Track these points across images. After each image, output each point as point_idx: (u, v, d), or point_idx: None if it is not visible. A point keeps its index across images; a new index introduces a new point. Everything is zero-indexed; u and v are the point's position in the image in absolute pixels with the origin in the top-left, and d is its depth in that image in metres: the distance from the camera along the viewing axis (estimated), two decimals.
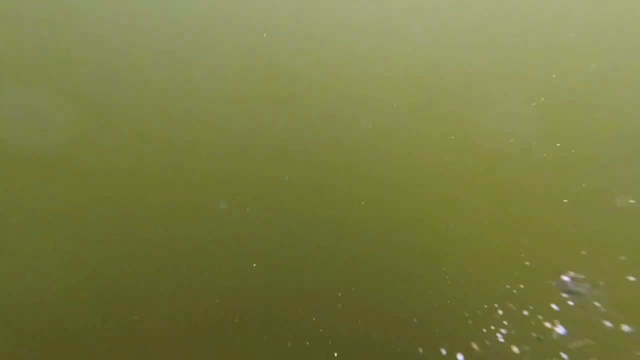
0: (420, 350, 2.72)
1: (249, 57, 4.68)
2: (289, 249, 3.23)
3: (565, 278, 2.79)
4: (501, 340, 2.69)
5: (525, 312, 2.76)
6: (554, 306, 2.71)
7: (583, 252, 2.93)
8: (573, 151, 3.51)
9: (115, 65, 4.31)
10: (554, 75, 3.93)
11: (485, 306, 2.81)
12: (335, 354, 2.68)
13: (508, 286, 2.91)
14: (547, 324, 2.69)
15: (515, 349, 2.65)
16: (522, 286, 2.86)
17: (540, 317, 2.68)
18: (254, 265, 3.10)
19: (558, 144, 3.58)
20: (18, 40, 4.17)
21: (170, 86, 4.36)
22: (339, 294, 2.96)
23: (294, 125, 4.21)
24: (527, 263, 3.00)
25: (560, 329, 2.64)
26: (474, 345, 2.67)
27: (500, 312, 2.80)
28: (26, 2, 4.35)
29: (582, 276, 2.76)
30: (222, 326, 2.79)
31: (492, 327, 2.73)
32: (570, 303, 2.69)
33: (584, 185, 3.30)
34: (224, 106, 4.33)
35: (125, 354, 2.66)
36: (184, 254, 3.13)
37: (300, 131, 4.17)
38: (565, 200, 3.30)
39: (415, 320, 2.85)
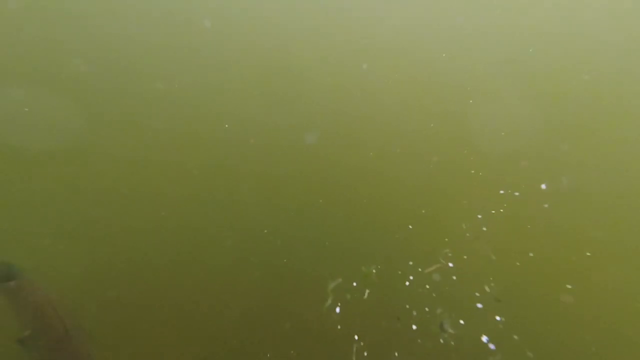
0: None
1: (251, 57, 4.73)
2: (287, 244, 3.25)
3: None
4: None
5: None
6: None
7: None
8: None
9: (114, 64, 4.33)
10: None
11: None
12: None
13: None
14: None
15: None
16: None
17: None
18: (254, 262, 3.11)
19: None
20: (18, 39, 4.18)
21: (170, 85, 4.39)
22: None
23: (295, 123, 4.25)
24: None
25: None
26: None
27: None
28: (29, 1, 4.37)
29: None
30: (222, 323, 2.79)
31: None
32: None
33: None
34: (224, 105, 4.36)
35: (123, 351, 2.65)
36: (184, 251, 3.15)
37: (301, 129, 4.21)
38: None
39: None
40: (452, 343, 2.51)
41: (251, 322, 2.76)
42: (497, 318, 2.63)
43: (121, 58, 4.47)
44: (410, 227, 3.33)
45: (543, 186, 3.51)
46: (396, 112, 4.35)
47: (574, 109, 4.13)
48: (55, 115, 3.85)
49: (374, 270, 2.94)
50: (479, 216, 3.35)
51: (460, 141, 4.02)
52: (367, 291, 2.81)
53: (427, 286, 2.85)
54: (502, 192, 3.51)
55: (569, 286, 2.82)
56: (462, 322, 2.61)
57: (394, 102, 4.43)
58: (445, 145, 4.03)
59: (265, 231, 3.27)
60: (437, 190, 3.68)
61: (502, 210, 3.37)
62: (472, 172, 3.75)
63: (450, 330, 2.52)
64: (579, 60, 4.48)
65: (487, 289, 2.80)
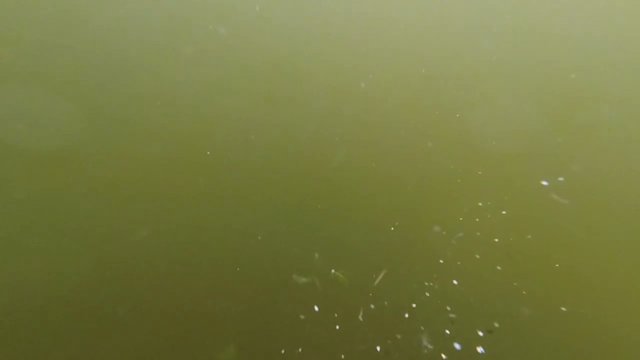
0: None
1: (251, 56, 4.70)
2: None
3: None
4: None
5: None
6: None
7: None
8: None
9: (114, 63, 4.33)
10: None
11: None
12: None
13: None
14: None
15: None
16: None
17: None
18: (252, 262, 3.15)
19: None
20: (19, 39, 4.19)
21: (170, 85, 4.39)
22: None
23: (292, 123, 4.25)
24: None
25: None
26: None
27: None
28: (27, 1, 4.37)
29: None
30: (221, 322, 2.84)
31: None
32: None
33: None
34: (225, 104, 4.35)
35: (122, 353, 2.71)
36: (183, 251, 3.19)
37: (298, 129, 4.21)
38: None
39: None
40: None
41: (246, 323, 2.81)
42: (480, 333, 2.62)
43: (122, 58, 4.48)
44: (392, 229, 3.33)
45: (544, 182, 3.42)
46: (394, 113, 4.32)
47: (566, 108, 4.05)
48: (55, 115, 3.89)
49: (376, 277, 2.94)
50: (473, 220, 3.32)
51: (452, 144, 3.98)
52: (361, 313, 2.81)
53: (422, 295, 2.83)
54: (486, 203, 3.46)
55: (563, 308, 2.75)
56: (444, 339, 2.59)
57: (393, 103, 4.40)
58: (442, 147, 4.00)
59: (260, 237, 3.30)
60: (435, 193, 3.67)
61: (491, 216, 3.34)
62: (464, 176, 3.72)
63: (430, 346, 2.52)
64: (569, 58, 4.37)
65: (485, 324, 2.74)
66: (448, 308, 2.75)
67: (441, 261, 3.09)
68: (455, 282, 2.91)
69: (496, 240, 3.18)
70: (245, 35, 4.84)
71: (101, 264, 3.05)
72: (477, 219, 3.29)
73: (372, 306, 2.75)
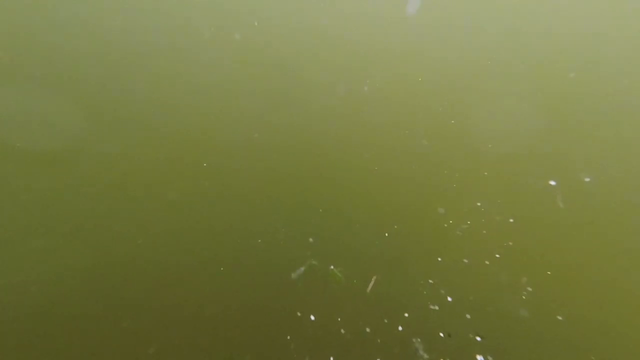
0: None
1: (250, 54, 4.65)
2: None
3: None
4: None
5: None
6: None
7: None
8: None
9: (115, 63, 4.28)
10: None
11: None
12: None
13: None
14: None
15: None
16: None
17: None
18: (251, 262, 3.15)
19: None
20: (19, 39, 4.13)
21: (171, 84, 4.34)
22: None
23: (294, 123, 4.22)
24: None
25: None
26: None
27: None
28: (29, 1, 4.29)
29: None
30: (220, 322, 2.86)
31: None
32: None
33: None
34: (225, 104, 4.32)
35: (123, 352, 2.73)
36: (183, 251, 3.20)
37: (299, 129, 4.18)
38: None
39: None
40: None
41: (245, 324, 2.83)
42: (477, 338, 2.61)
43: (122, 58, 4.43)
44: (396, 227, 3.32)
45: (552, 182, 3.37)
46: (396, 114, 4.29)
47: (562, 108, 4.01)
48: (55, 115, 3.85)
49: (374, 277, 2.94)
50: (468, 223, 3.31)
51: (452, 145, 3.96)
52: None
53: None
54: (479, 204, 3.44)
55: (559, 317, 2.75)
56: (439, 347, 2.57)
57: (394, 104, 4.37)
58: (442, 148, 3.98)
59: (260, 241, 3.30)
60: (435, 194, 3.66)
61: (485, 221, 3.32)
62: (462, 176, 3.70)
63: (426, 356, 2.52)
64: (567, 58, 4.31)
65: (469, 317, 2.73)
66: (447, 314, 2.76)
67: (439, 259, 3.09)
68: (454, 282, 2.91)
69: (495, 239, 3.18)
70: (250, 39, 4.78)
71: (101, 264, 3.06)
72: (474, 220, 3.30)
73: (369, 309, 2.76)
